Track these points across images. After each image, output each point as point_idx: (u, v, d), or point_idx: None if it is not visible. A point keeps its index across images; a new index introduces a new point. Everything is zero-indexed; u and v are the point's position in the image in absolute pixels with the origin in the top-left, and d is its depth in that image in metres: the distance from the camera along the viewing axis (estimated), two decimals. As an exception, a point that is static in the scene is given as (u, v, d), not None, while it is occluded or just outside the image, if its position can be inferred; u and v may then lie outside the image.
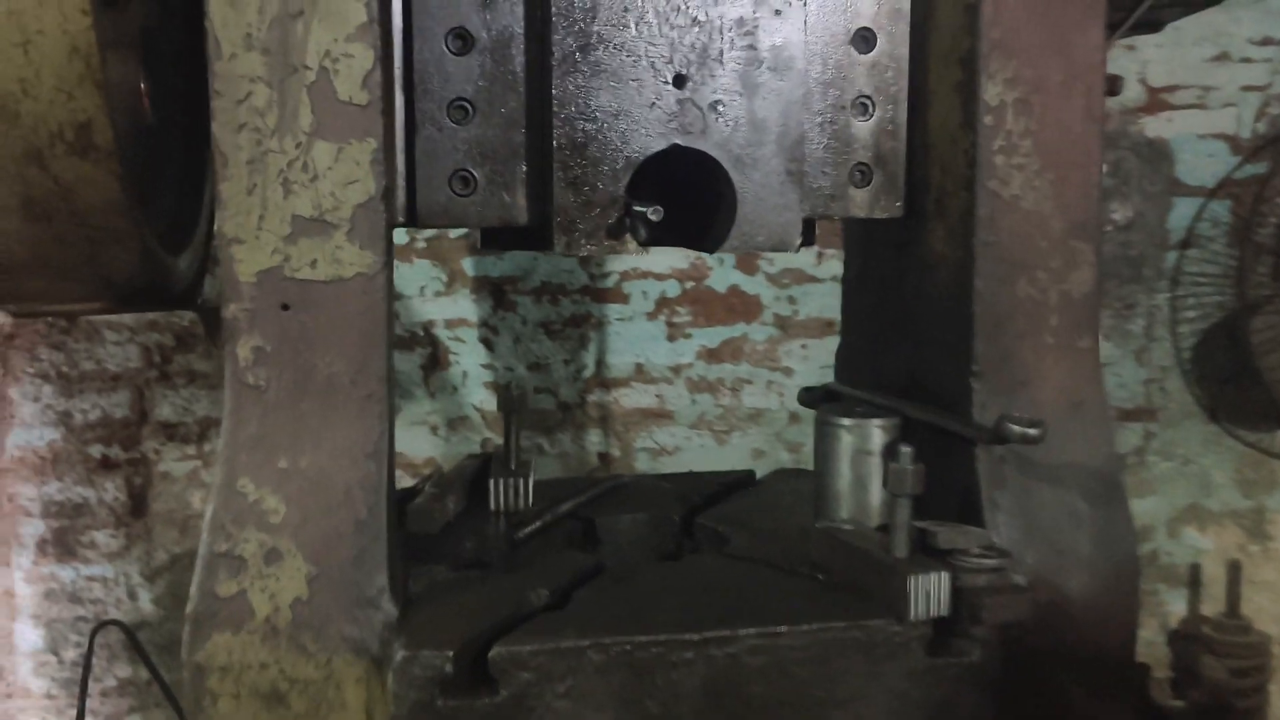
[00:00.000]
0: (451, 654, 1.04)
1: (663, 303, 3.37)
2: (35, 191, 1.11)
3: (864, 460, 1.35)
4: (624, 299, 3.36)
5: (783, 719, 1.12)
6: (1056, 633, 1.28)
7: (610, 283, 3.35)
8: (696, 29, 1.20)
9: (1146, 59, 3.47)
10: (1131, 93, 3.48)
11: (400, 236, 2.99)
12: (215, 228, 1.08)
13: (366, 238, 1.10)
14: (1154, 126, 3.49)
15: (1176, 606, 3.75)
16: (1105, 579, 1.30)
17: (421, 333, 3.27)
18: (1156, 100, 3.50)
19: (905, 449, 1.18)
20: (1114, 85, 1.39)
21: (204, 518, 1.08)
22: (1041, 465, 1.29)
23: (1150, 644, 3.70)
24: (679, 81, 1.21)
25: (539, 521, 1.45)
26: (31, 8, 1.03)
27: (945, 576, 1.14)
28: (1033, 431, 1.17)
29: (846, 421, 1.36)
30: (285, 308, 1.09)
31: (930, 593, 1.14)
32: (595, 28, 1.18)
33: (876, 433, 1.35)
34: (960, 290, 1.30)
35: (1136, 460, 3.61)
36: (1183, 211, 3.53)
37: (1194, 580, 3.74)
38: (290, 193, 1.07)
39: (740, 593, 1.22)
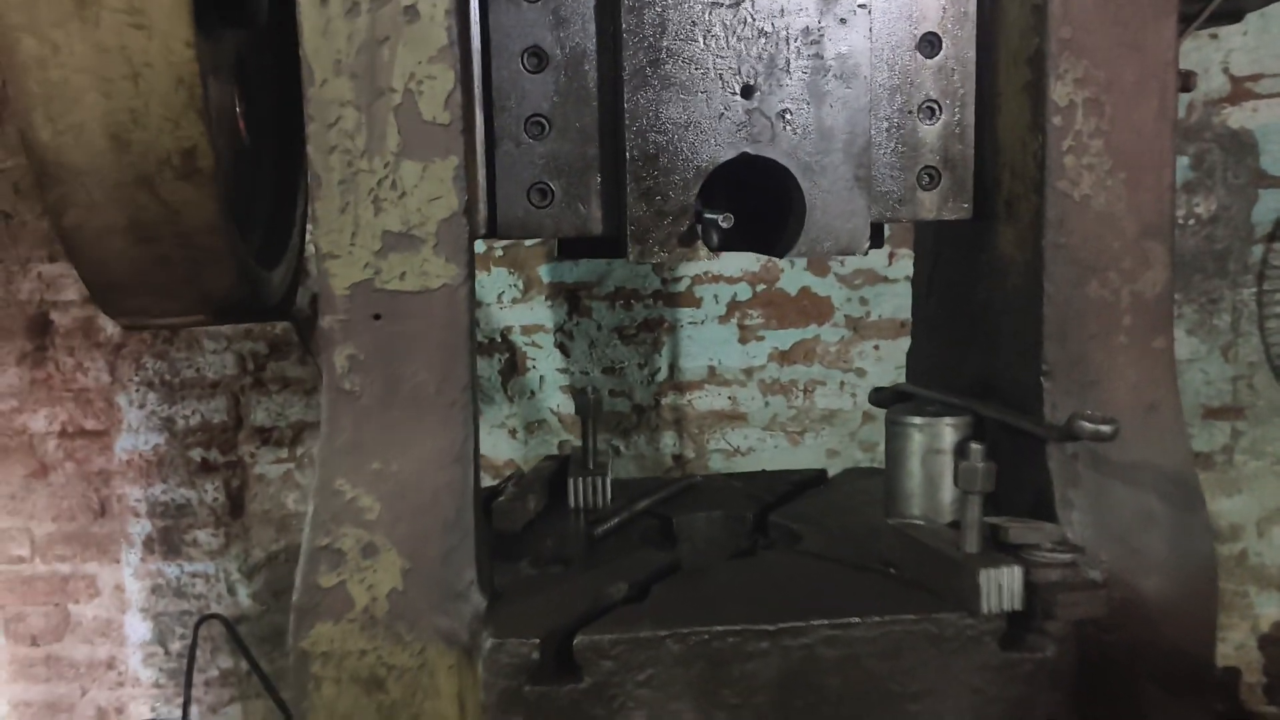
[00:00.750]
0: (538, 642, 1.09)
1: (734, 306, 3.39)
2: (144, 215, 1.19)
3: (935, 459, 1.37)
4: (696, 303, 3.39)
5: (857, 712, 1.14)
6: (1132, 632, 1.29)
7: (682, 287, 3.39)
8: (763, 40, 1.24)
9: (1230, 48, 3.40)
10: (1215, 83, 3.41)
11: (478, 245, 3.06)
12: (311, 244, 1.14)
13: (451, 250, 1.16)
14: (1238, 117, 3.42)
15: (1268, 609, 3.66)
16: (1182, 580, 1.30)
17: (499, 339, 3.34)
18: (1241, 90, 3.42)
19: (976, 446, 1.20)
20: (1188, 81, 1.39)
21: (306, 516, 1.15)
22: (1115, 464, 1.30)
23: (1241, 647, 3.62)
24: (747, 92, 1.24)
25: (617, 519, 1.49)
26: (139, 42, 1.10)
27: (1018, 571, 1.16)
28: (1105, 429, 1.18)
29: (918, 420, 1.38)
30: (377, 318, 1.15)
31: (1003, 586, 1.16)
32: (664, 43, 1.22)
33: (948, 431, 1.37)
34: (1031, 292, 1.31)
35: (1224, 459, 3.54)
36: (1269, 204, 3.45)
37: (1287, 581, 3.65)
38: (380, 210, 1.14)
39: (813, 588, 1.25)
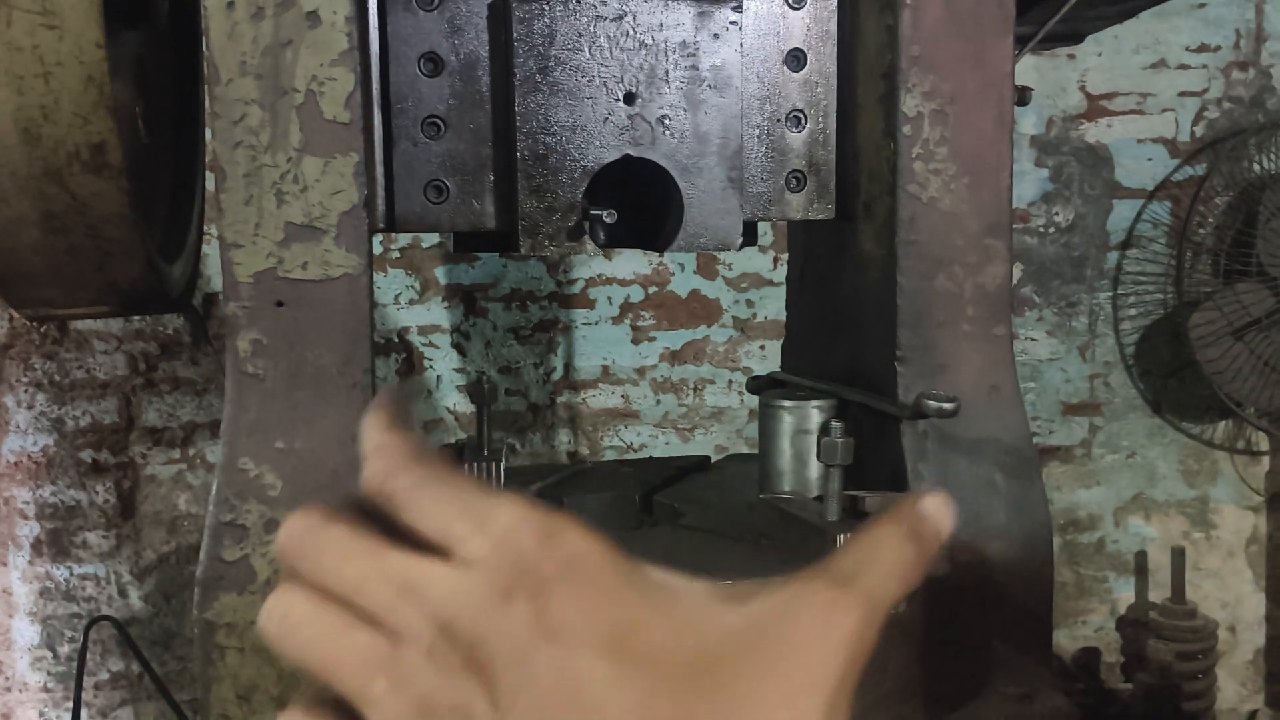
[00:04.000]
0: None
1: (627, 307, 3.51)
2: (54, 206, 1.24)
3: (803, 439, 1.50)
4: (590, 304, 3.50)
5: (728, 662, 1.25)
6: (978, 593, 1.42)
7: (577, 289, 3.49)
8: (644, 51, 1.35)
9: (1087, 67, 3.65)
10: (1073, 100, 3.66)
11: (376, 247, 3.11)
12: (217, 234, 1.21)
13: (351, 242, 1.23)
14: (1094, 132, 3.67)
15: (1125, 593, 3.91)
16: (1021, 545, 1.45)
17: (396, 339, 3.40)
18: (1096, 107, 3.68)
19: (836, 424, 1.33)
20: (1023, 95, 1.54)
21: (211, 493, 1.21)
22: (961, 440, 1.43)
23: (1100, 629, 3.86)
24: (629, 99, 1.35)
25: (510, 501, 1.58)
26: (52, 42, 1.16)
27: (871, 536, 1.29)
28: (948, 406, 1.32)
29: (787, 404, 1.50)
30: (280, 305, 1.22)
31: (858, 550, 1.28)
32: (553, 51, 1.32)
33: (814, 413, 1.50)
34: (887, 285, 1.44)
35: (1083, 452, 3.78)
36: (1123, 214, 3.71)
37: (1140, 568, 3.91)
38: (283, 202, 1.21)
39: (693, 557, 1.36)
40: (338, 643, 0.44)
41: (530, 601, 0.43)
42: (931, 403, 1.31)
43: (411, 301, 3.39)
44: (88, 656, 2.93)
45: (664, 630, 0.44)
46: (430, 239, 3.37)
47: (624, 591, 0.44)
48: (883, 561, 0.46)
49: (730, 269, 3.52)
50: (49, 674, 3.18)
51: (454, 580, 0.43)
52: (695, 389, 3.54)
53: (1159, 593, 3.85)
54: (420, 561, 0.44)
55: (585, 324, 3.49)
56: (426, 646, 0.43)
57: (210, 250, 2.48)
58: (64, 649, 3.17)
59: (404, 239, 3.34)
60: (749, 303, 3.54)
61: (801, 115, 1.48)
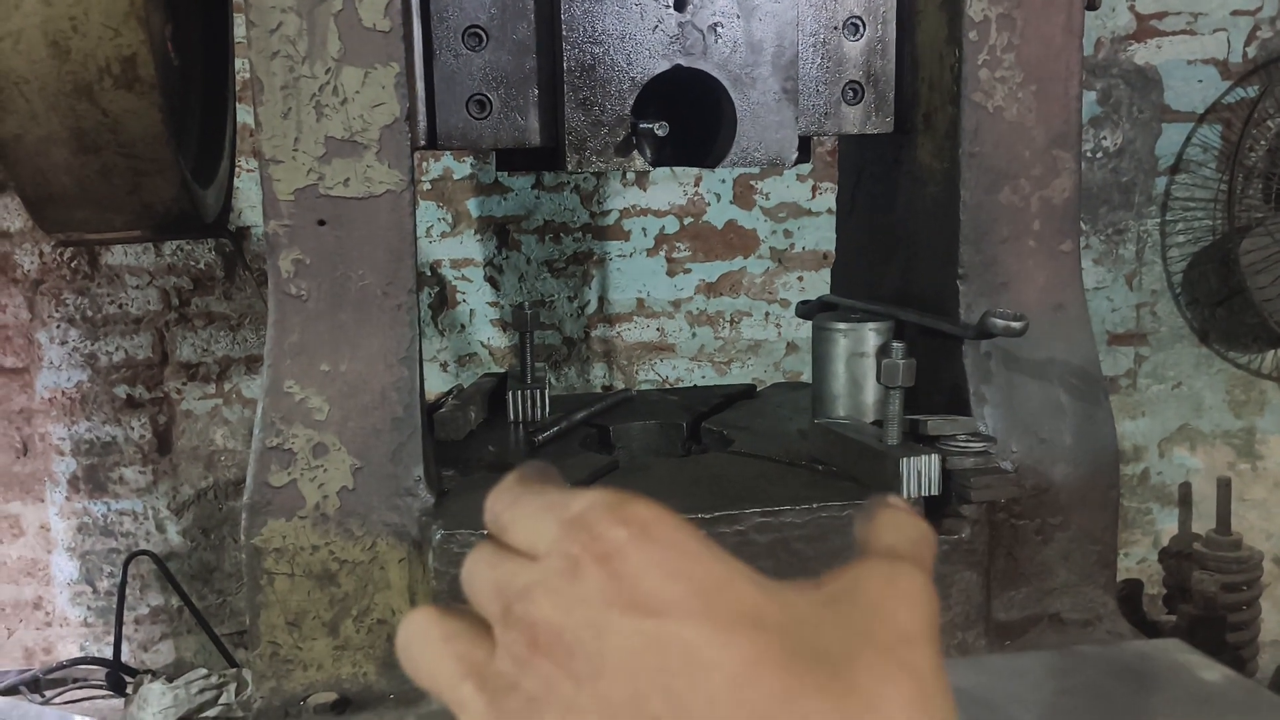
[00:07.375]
0: (486, 532, 1.14)
1: (662, 239, 3.44)
2: (85, 124, 1.20)
3: (859, 362, 1.45)
4: (624, 236, 3.43)
5: (788, 589, 1.22)
6: (1042, 517, 1.38)
7: (610, 220, 3.43)
8: (695, -45, 1.28)
9: (1136, -14, 3.51)
10: (1121, 20, 3.53)
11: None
12: (255, 150, 1.16)
13: (394, 157, 1.18)
14: (1143, 54, 3.55)
15: (1168, 525, 3.86)
16: (1086, 467, 1.40)
17: (429, 273, 3.35)
18: (1146, 27, 3.55)
19: (897, 344, 1.27)
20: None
21: (255, 416, 1.18)
22: (1025, 361, 1.38)
23: (1143, 561, 3.82)
24: (679, 5, 1.28)
25: (556, 428, 1.54)
26: (78, -53, 1.11)
27: (935, 459, 1.24)
28: (1016, 324, 1.26)
29: (842, 326, 1.45)
30: (321, 223, 1.17)
31: (922, 473, 1.24)
32: (600, -45, 1.25)
33: (870, 336, 1.44)
34: (948, 200, 1.38)
35: (1128, 383, 3.71)
36: (1172, 137, 3.59)
37: (1185, 499, 3.84)
38: (322, 115, 1.16)
39: (746, 482, 1.32)
40: (438, 656, 0.44)
41: (600, 569, 0.40)
42: (999, 321, 1.26)
43: (444, 234, 3.34)
44: (127, 591, 2.96)
45: (754, 590, 0.41)
46: (462, 170, 3.31)
47: (703, 552, 0.41)
48: (910, 537, 0.47)
49: (768, 199, 3.45)
50: (89, 609, 3.20)
51: (528, 571, 0.42)
52: (731, 322, 3.48)
53: (1202, 524, 3.79)
54: (510, 563, 0.44)
55: (619, 256, 3.43)
56: (504, 642, 0.42)
57: (241, 184, 2.44)
58: (103, 584, 3.19)
59: (435, 170, 3.28)
60: (786, 233, 3.46)
61: (859, 22, 1.41)
